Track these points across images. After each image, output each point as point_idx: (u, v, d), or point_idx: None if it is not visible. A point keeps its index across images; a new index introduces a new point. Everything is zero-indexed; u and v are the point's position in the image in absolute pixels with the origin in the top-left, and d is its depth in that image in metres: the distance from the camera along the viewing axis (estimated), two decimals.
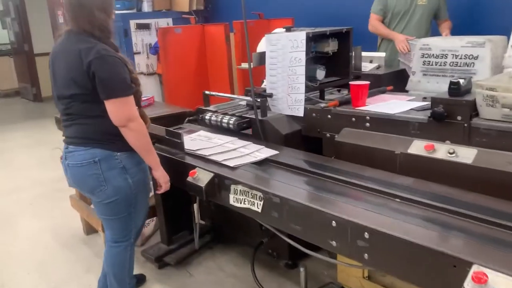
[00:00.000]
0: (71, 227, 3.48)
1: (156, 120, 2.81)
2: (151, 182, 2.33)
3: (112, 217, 2.13)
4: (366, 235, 1.50)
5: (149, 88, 6.11)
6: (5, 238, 3.44)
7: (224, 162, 2.11)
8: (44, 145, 5.91)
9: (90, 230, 3.32)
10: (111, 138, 1.97)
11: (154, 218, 3.19)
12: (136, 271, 2.83)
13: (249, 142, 2.36)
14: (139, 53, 5.98)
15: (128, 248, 2.24)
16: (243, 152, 2.22)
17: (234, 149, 2.27)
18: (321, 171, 1.97)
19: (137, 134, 1.97)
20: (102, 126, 1.96)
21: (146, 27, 5.97)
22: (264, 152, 2.22)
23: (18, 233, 3.52)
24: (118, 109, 1.90)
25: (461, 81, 1.95)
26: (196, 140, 2.47)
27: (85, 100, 1.94)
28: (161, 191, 2.21)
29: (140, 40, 5.96)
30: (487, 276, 1.20)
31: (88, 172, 1.99)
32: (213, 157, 2.18)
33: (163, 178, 2.16)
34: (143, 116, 2.07)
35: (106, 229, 2.24)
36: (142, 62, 6.05)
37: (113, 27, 2.00)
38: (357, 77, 2.77)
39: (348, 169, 1.99)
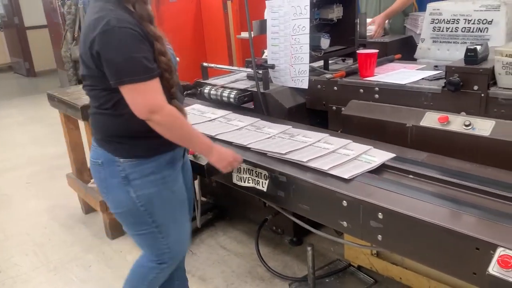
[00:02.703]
0: (69, 206, 3.40)
1: None
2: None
3: (130, 232, 1.77)
4: (380, 215, 1.41)
5: None
6: (2, 219, 3.36)
7: (332, 172, 1.61)
8: (39, 122, 5.80)
9: (88, 209, 3.24)
10: (117, 140, 1.59)
11: None
12: (137, 250, 2.76)
13: (349, 141, 1.85)
14: None
15: (155, 271, 1.78)
16: (348, 155, 1.73)
17: (333, 151, 1.78)
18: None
19: (166, 129, 1.53)
20: (108, 123, 1.58)
21: None
22: (375, 154, 1.73)
23: (15, 213, 3.44)
24: (133, 99, 1.48)
25: (478, 47, 1.82)
26: (276, 138, 1.97)
27: (93, 84, 1.56)
28: (225, 171, 1.75)
29: None
30: None
31: (95, 173, 1.69)
32: (311, 164, 1.68)
33: (219, 163, 1.69)
34: (178, 110, 1.62)
35: None
36: None
37: None
38: (362, 46, 2.64)
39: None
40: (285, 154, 1.78)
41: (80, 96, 2.87)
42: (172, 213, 1.70)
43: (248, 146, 1.92)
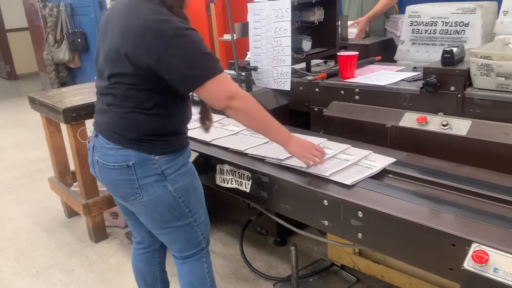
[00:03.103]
0: (52, 210, 3.36)
1: None
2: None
3: (166, 231, 1.70)
4: (360, 214, 1.44)
5: None
6: None
7: (333, 178, 1.60)
8: (21, 125, 5.73)
9: (71, 213, 3.21)
10: (152, 139, 1.56)
11: None
12: (121, 253, 2.76)
13: (348, 146, 1.84)
14: None
15: (203, 260, 1.79)
16: (349, 161, 1.71)
17: (333, 156, 1.76)
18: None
19: (246, 114, 1.56)
20: (146, 122, 1.53)
21: None
22: (375, 159, 1.72)
23: None
24: (212, 92, 1.50)
25: (454, 49, 1.87)
26: (273, 144, 1.77)
27: (134, 83, 1.49)
28: (308, 163, 1.68)
29: None
30: (488, 255, 1.15)
31: (119, 177, 1.58)
32: (312, 170, 1.66)
33: (299, 152, 1.66)
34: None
35: (166, 244, 1.81)
36: None
37: None
38: (344, 48, 2.68)
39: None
40: (284, 160, 1.75)
41: (62, 99, 2.85)
42: (200, 200, 1.73)
43: (246, 152, 1.89)
